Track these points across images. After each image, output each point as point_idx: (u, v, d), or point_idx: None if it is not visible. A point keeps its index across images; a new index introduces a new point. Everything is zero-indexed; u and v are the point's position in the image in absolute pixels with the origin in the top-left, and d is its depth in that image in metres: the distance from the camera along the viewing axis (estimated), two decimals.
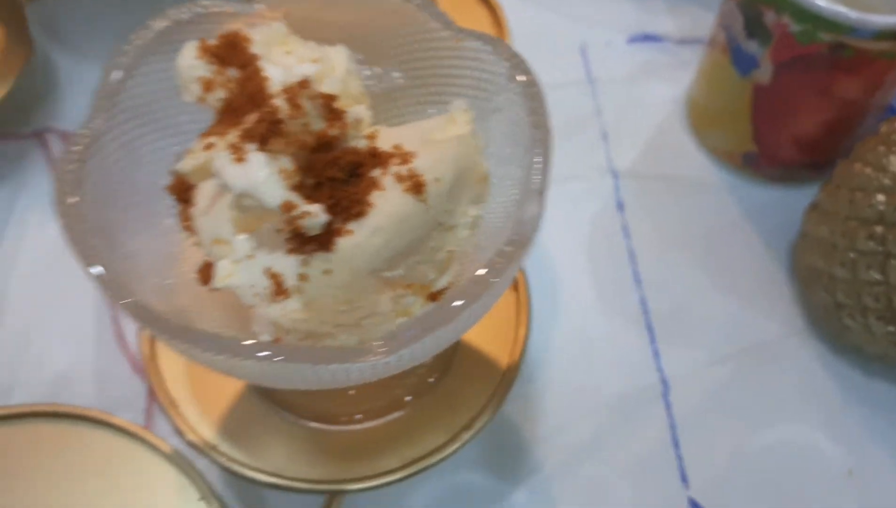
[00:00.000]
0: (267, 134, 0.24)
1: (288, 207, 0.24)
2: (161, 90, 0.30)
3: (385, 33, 0.31)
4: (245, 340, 0.24)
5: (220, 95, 0.28)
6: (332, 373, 0.24)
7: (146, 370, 0.36)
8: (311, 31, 0.31)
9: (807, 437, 0.45)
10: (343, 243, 0.25)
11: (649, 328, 0.48)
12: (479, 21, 0.52)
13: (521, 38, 0.54)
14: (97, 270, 0.24)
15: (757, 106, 0.49)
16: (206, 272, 0.29)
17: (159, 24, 0.29)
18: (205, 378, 0.36)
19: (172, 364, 0.35)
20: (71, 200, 0.25)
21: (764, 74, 0.47)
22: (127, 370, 0.45)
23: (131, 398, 0.44)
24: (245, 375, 0.24)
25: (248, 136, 0.24)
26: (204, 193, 0.28)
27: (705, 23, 0.60)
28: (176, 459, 0.38)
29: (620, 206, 0.52)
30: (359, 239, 0.25)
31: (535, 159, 0.25)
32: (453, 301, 0.22)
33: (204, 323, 0.29)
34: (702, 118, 0.54)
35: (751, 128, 0.50)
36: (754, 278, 0.50)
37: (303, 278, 0.25)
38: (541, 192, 0.25)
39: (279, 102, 0.25)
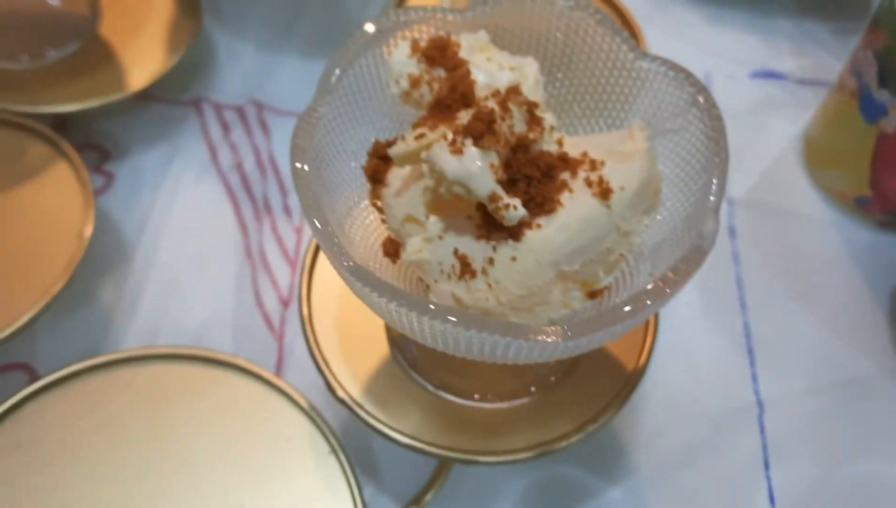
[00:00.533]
0: (483, 131, 0.27)
1: (494, 198, 0.27)
2: (368, 84, 0.33)
3: (566, 48, 0.34)
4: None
5: (424, 91, 0.31)
6: (504, 347, 0.27)
7: (305, 330, 0.39)
8: (499, 40, 0.35)
9: (895, 473, 0.46)
10: (532, 235, 0.28)
11: (750, 352, 0.50)
12: None
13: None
14: (324, 229, 0.27)
15: (879, 153, 0.51)
16: (390, 247, 0.33)
17: (376, 25, 0.33)
18: (354, 343, 0.40)
19: (327, 327, 0.39)
20: (300, 165, 0.29)
21: (891, 122, 0.49)
22: (262, 326, 0.49)
23: (264, 353, 0.48)
24: (428, 335, 0.27)
25: (465, 131, 0.27)
26: (397, 175, 0.32)
27: (827, 66, 0.62)
28: (310, 412, 0.42)
29: (732, 232, 0.54)
30: (546, 233, 0.28)
31: (713, 180, 0.28)
32: (629, 305, 0.25)
33: None
34: (818, 157, 0.56)
35: (869, 173, 0.52)
36: (854, 316, 0.51)
37: (490, 262, 0.29)
38: (717, 210, 0.28)
39: (492, 105, 0.28)
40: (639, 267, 0.31)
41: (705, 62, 0.62)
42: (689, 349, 0.50)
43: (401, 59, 0.31)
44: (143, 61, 0.54)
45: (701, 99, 0.30)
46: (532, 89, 0.31)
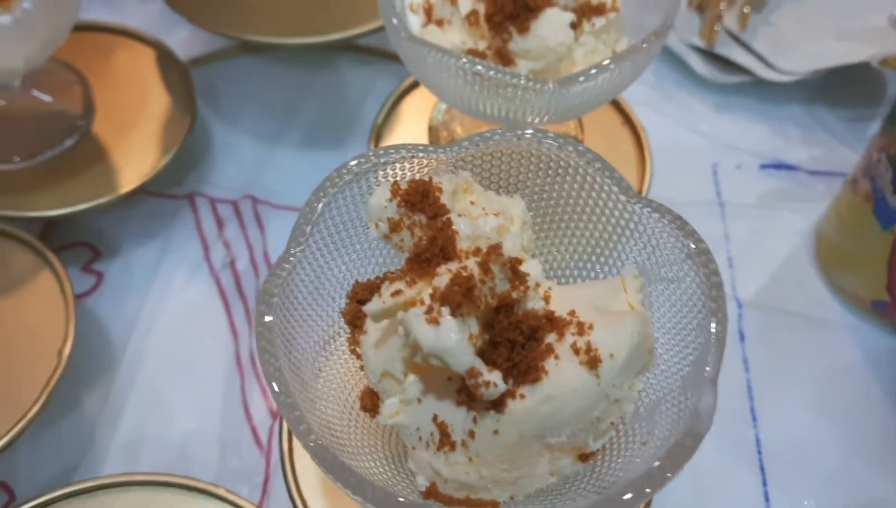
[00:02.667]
0: (461, 300, 0.25)
1: (472, 373, 0.25)
2: (346, 223, 0.32)
3: (554, 184, 0.33)
4: (399, 481, 0.25)
5: (405, 235, 0.30)
6: None
7: (284, 467, 0.37)
8: (485, 174, 0.33)
9: None
10: (515, 407, 0.26)
11: (762, 469, 0.47)
12: (622, 140, 0.53)
13: (656, 152, 0.54)
14: (282, 395, 0.26)
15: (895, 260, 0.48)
16: (368, 401, 0.31)
17: (355, 166, 0.31)
18: (333, 489, 0.38)
19: (307, 467, 0.37)
20: (268, 318, 0.27)
21: None
22: (249, 441, 0.47)
23: (251, 471, 0.46)
24: None
25: (442, 298, 0.25)
26: (375, 324, 0.30)
27: (839, 156, 0.60)
28: None
29: (742, 336, 0.52)
30: (529, 404, 0.26)
31: (710, 348, 0.26)
32: (626, 493, 0.23)
33: (352, 443, 0.30)
34: (831, 257, 0.54)
35: (885, 278, 0.50)
36: (872, 429, 0.49)
37: (471, 434, 0.27)
38: (714, 381, 0.26)
39: (471, 266, 0.26)
40: (633, 427, 0.29)
41: (713, 152, 0.60)
42: (697, 466, 0.47)
43: (380, 202, 0.30)
44: (137, 159, 0.53)
45: (694, 246, 0.28)
46: (517, 233, 0.30)
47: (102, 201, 0.51)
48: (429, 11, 0.44)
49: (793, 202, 0.58)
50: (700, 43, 0.63)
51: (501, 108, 0.39)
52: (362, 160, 0.31)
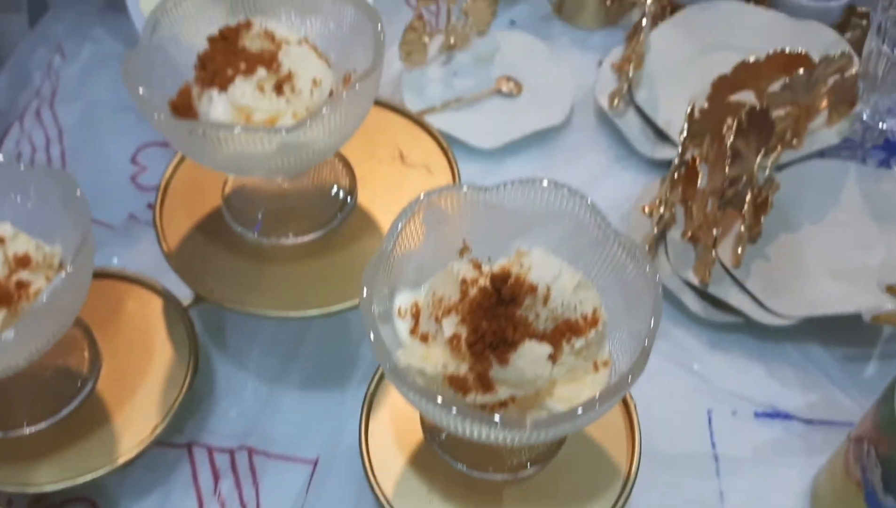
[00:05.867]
0: None
1: None
2: None
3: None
4: None
5: None
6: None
7: None
8: None
9: None
10: None
11: None
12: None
13: (649, 395, 0.54)
14: None
15: None
16: None
17: None
18: None
19: None
20: None
21: None
22: None
23: None
24: None
25: None
26: None
27: (835, 402, 0.60)
28: None
29: None
30: None
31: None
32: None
33: None
34: None
35: None
36: None
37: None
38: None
39: None
40: None
41: (708, 397, 0.61)
42: None
43: None
44: (140, 417, 0.55)
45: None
46: None
47: (101, 472, 0.52)
48: (417, 316, 0.45)
49: (789, 457, 0.58)
50: (694, 279, 0.64)
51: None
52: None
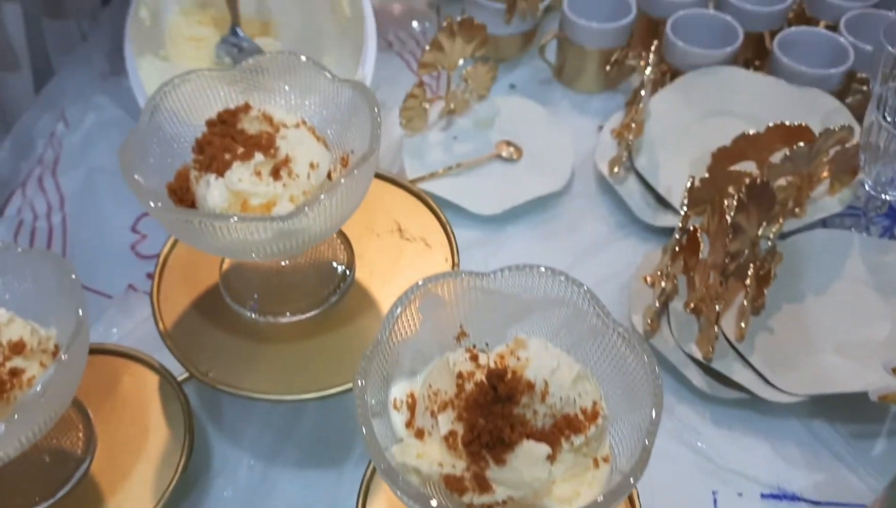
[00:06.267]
0: None
1: None
2: None
3: None
4: None
5: None
6: None
7: None
8: None
9: None
10: None
11: None
12: None
13: (652, 478, 0.53)
14: None
15: None
16: None
17: None
18: None
19: None
20: None
21: None
22: None
23: None
24: None
25: None
26: None
27: (842, 481, 0.59)
28: None
29: None
30: None
31: None
32: None
33: None
34: None
35: None
36: None
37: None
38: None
39: None
40: None
41: (712, 477, 0.59)
42: None
43: None
44: (133, 502, 0.54)
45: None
46: None
47: None
48: (413, 408, 0.45)
49: None
50: (697, 353, 0.63)
51: None
52: None
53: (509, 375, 0.41)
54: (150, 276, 0.66)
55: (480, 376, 0.42)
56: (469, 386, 0.42)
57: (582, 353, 0.46)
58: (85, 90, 0.85)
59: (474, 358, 0.44)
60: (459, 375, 0.42)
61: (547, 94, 0.87)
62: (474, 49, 0.79)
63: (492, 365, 0.43)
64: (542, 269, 0.47)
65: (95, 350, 0.61)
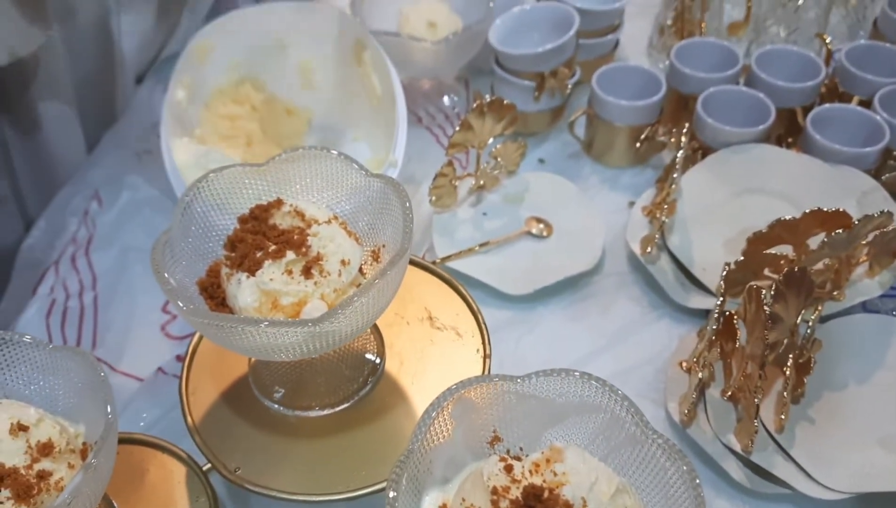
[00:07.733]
0: None
1: None
2: None
3: None
4: None
5: None
6: None
7: None
8: None
9: None
10: None
11: None
12: None
13: None
14: None
15: None
16: None
17: None
18: None
19: None
20: None
21: None
22: None
23: None
24: None
25: None
26: None
27: None
28: None
29: None
30: None
31: None
32: None
33: None
34: None
35: None
36: None
37: None
38: None
39: None
40: None
41: None
42: None
43: None
44: None
45: None
46: None
47: None
48: None
49: None
50: (736, 445, 0.61)
51: None
52: None
53: (546, 494, 0.40)
54: (180, 358, 0.66)
55: (516, 492, 0.41)
56: (504, 504, 0.41)
57: (619, 461, 0.45)
58: (119, 170, 0.86)
59: (509, 469, 0.43)
60: (494, 490, 0.41)
61: (576, 168, 0.87)
62: (504, 128, 0.79)
63: (527, 477, 0.42)
64: (577, 374, 0.46)
65: (123, 440, 0.60)
